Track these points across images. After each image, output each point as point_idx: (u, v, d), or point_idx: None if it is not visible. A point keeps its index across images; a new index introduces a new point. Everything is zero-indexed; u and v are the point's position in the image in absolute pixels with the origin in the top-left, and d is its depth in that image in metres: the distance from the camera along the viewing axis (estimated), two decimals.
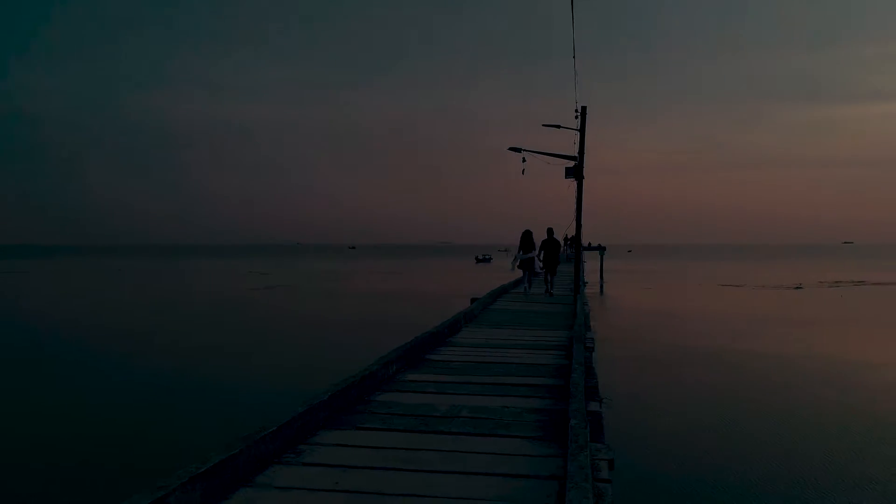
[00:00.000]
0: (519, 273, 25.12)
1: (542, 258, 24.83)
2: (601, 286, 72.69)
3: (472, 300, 24.53)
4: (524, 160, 19.56)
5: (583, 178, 20.35)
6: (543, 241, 24.26)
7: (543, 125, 20.43)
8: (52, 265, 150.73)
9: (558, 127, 19.64)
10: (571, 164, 20.36)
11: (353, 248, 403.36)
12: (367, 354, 29.67)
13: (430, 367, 11.75)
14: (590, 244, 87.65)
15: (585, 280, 40.56)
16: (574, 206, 21.26)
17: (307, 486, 6.08)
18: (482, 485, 6.10)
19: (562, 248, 23.75)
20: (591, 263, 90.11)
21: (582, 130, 17.51)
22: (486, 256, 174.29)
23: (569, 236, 64.30)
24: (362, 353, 31.54)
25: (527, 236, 23.64)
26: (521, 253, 23.66)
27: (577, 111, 18.83)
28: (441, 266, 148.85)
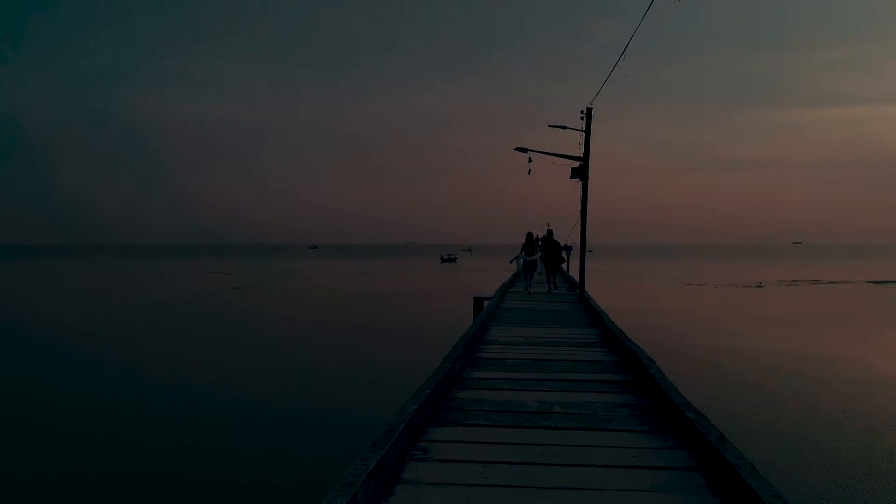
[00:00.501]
0: (513, 268, 25.47)
1: (541, 258, 25.17)
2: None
3: (477, 299, 24.74)
4: (530, 160, 19.89)
5: (588, 178, 20.68)
6: (543, 241, 24.57)
7: (550, 126, 20.76)
8: None
9: (564, 128, 19.95)
10: (577, 164, 20.67)
11: (315, 247, 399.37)
12: (356, 357, 29.14)
13: (488, 365, 11.91)
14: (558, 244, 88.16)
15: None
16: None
17: (457, 481, 6.19)
18: (623, 476, 6.30)
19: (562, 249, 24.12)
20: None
21: (587, 131, 17.86)
22: (451, 256, 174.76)
23: (539, 237, 65.52)
24: (349, 357, 31.62)
25: (529, 238, 23.96)
26: (522, 254, 23.95)
27: (582, 112, 19.20)
28: (408, 266, 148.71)
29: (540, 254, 23.51)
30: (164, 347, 33.99)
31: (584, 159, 20.09)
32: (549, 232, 24.08)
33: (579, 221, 21.37)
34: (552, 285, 24.40)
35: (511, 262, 24.99)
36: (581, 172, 20.43)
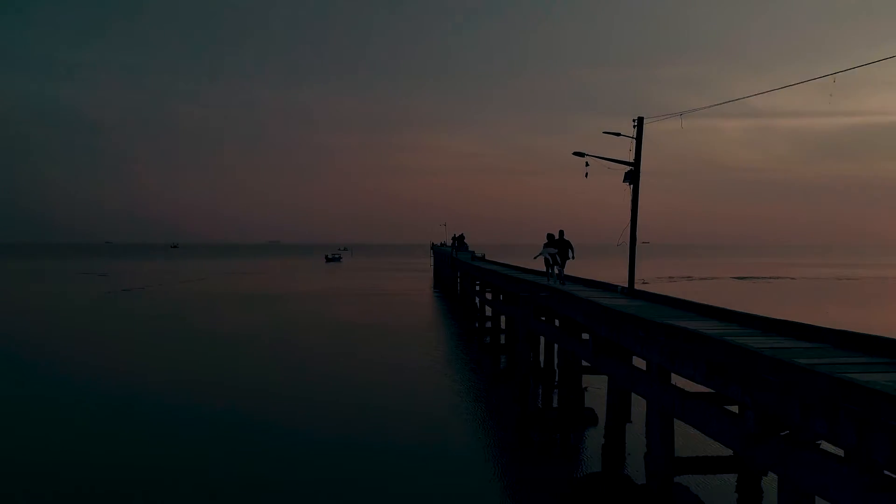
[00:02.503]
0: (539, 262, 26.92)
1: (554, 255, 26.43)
2: None
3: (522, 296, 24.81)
4: (587, 164, 20.91)
5: (638, 182, 21.37)
6: (556, 241, 25.82)
7: (604, 132, 21.74)
8: None
9: (618, 135, 20.90)
10: (627, 168, 21.32)
11: (176, 246, 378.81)
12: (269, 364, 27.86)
13: None
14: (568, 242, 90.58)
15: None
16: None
17: None
18: None
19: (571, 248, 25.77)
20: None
21: (638, 139, 19.09)
22: (336, 255, 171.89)
23: (456, 235, 66.80)
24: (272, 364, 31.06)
25: (550, 238, 25.39)
26: (544, 250, 25.21)
27: (634, 121, 20.16)
28: (291, 266, 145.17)
29: (553, 250, 24.77)
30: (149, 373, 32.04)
31: (636, 165, 20.71)
32: (561, 233, 25.52)
33: (629, 225, 22.01)
34: (560, 277, 25.61)
35: (535, 258, 26.24)
36: (632, 177, 21.10)
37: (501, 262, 50.89)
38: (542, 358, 26.47)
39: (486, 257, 57.29)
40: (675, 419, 10.92)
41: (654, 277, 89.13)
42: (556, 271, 25.54)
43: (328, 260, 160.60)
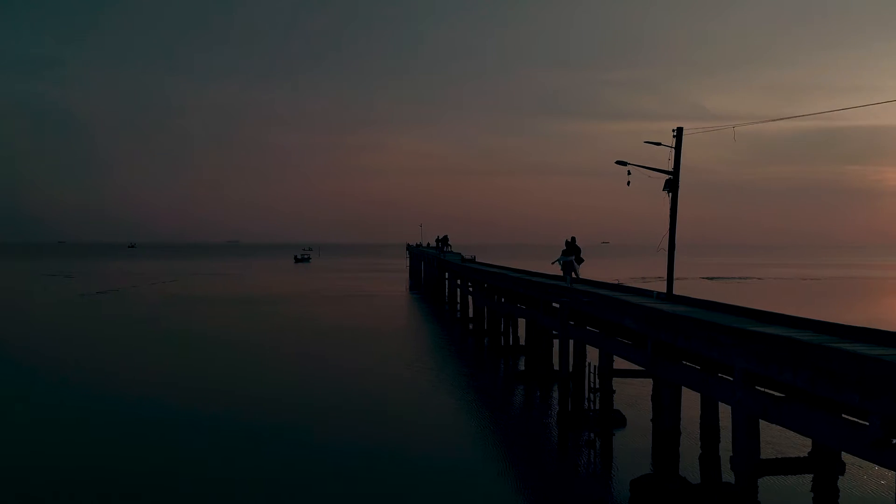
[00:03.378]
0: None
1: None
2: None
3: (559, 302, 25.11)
4: (629, 173, 21.34)
5: (678, 190, 21.71)
6: (572, 247, 26.41)
7: (645, 142, 22.16)
8: None
9: (658, 144, 21.32)
10: (667, 177, 21.68)
11: (133, 246, 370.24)
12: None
13: None
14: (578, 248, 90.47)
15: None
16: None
17: None
18: None
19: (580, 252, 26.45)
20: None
21: (678, 148, 19.58)
22: (306, 256, 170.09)
23: (440, 237, 67.01)
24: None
25: (567, 244, 25.92)
26: (562, 256, 25.87)
27: (674, 131, 20.58)
28: (260, 267, 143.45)
29: (570, 257, 25.50)
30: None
31: (675, 174, 21.08)
32: (573, 239, 26.19)
33: (668, 232, 22.28)
34: (573, 278, 26.18)
35: (553, 263, 26.93)
36: (672, 185, 21.45)
37: (490, 263, 51.32)
38: (554, 360, 26.98)
39: (469, 259, 57.57)
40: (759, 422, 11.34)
41: (628, 278, 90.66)
42: (573, 275, 26.13)
43: (297, 260, 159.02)
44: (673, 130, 19.40)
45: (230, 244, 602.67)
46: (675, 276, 23.53)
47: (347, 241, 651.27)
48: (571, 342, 20.63)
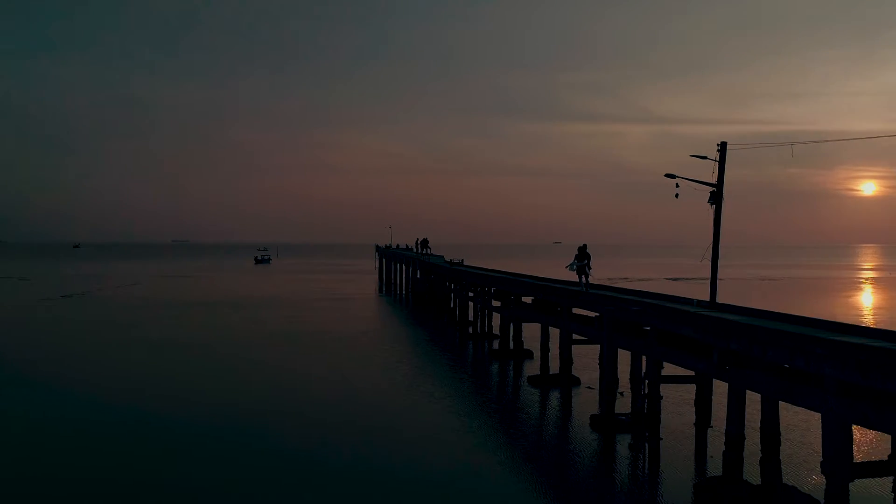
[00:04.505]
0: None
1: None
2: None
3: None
4: (677, 185, 21.92)
5: (721, 202, 22.24)
6: (581, 252, 27.04)
7: (692, 156, 22.74)
8: None
9: (704, 158, 21.89)
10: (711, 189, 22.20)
11: (78, 246, 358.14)
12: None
13: None
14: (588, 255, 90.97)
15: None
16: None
17: None
18: None
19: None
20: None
21: (721, 163, 20.26)
22: (266, 257, 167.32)
23: (420, 239, 67.25)
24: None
25: (579, 250, 26.56)
26: (576, 262, 26.48)
27: (718, 146, 21.24)
28: (220, 267, 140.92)
29: (583, 263, 26.20)
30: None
31: (719, 187, 21.56)
32: (584, 246, 26.88)
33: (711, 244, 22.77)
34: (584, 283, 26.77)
35: (566, 267, 27.57)
36: (716, 198, 21.95)
37: (477, 266, 51.74)
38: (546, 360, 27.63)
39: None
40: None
41: (594, 279, 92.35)
42: (584, 280, 26.87)
43: (258, 261, 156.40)
44: (717, 145, 20.12)
45: (177, 243, 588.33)
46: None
47: (306, 240, 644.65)
48: (616, 350, 21.15)
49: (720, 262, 22.12)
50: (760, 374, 14.64)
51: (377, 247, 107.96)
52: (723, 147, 20.16)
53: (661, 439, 19.23)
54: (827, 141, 35.85)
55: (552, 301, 27.73)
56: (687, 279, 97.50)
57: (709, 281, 21.90)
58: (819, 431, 19.97)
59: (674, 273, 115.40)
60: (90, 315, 52.17)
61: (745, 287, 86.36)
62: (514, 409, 24.65)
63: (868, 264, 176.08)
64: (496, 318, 37.03)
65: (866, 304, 67.49)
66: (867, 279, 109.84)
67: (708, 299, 21.77)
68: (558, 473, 17.81)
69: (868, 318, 52.98)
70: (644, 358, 19.45)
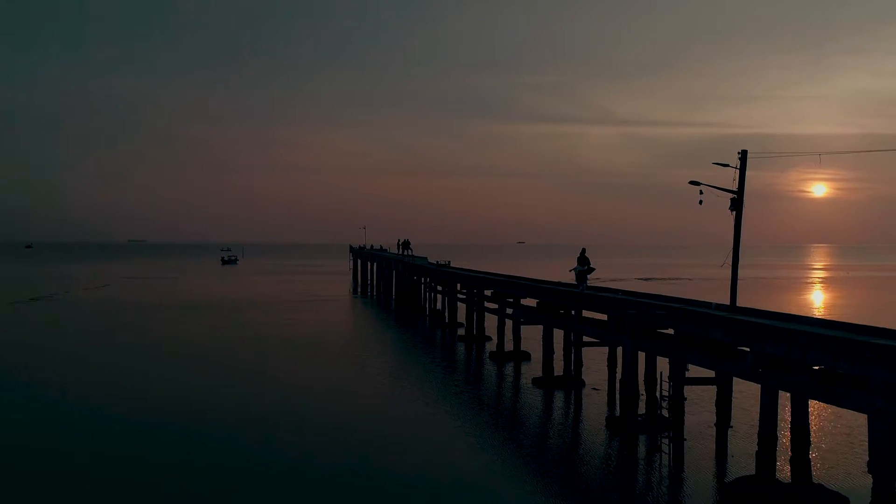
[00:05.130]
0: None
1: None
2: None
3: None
4: (701, 192, 22.30)
5: (742, 209, 22.71)
6: (582, 256, 27.53)
7: (714, 163, 23.15)
8: None
9: (726, 165, 22.28)
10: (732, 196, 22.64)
11: (31, 246, 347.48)
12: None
13: None
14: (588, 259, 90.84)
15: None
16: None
17: None
18: None
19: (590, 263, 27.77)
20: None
21: (742, 169, 20.79)
22: (233, 258, 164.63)
23: (402, 241, 67.23)
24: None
25: (581, 253, 27.06)
26: (578, 266, 26.93)
27: (739, 153, 21.71)
28: (185, 268, 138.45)
29: (587, 266, 26.77)
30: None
31: (739, 194, 21.98)
32: (584, 250, 27.39)
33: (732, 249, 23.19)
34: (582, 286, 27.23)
35: (571, 271, 28.15)
36: (737, 205, 22.37)
37: (467, 268, 52.02)
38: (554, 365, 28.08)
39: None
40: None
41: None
42: (585, 283, 27.41)
43: (224, 262, 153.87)
44: (738, 152, 20.68)
45: (134, 243, 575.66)
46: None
47: (271, 240, 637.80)
48: (638, 352, 21.55)
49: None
50: (802, 377, 15.14)
51: (351, 247, 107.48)
52: (743, 155, 20.73)
53: (685, 440, 19.68)
54: (824, 153, 36.93)
55: (559, 304, 28.09)
56: (657, 279, 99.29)
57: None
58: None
59: (643, 273, 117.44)
60: (67, 319, 50.90)
61: (715, 287, 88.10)
62: (520, 411, 24.99)
63: (820, 264, 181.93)
64: (490, 320, 37.33)
65: (829, 302, 69.66)
66: (822, 279, 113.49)
67: (707, 300, 22.48)
68: (582, 476, 18.19)
69: (841, 316, 54.68)
70: (668, 360, 19.88)
